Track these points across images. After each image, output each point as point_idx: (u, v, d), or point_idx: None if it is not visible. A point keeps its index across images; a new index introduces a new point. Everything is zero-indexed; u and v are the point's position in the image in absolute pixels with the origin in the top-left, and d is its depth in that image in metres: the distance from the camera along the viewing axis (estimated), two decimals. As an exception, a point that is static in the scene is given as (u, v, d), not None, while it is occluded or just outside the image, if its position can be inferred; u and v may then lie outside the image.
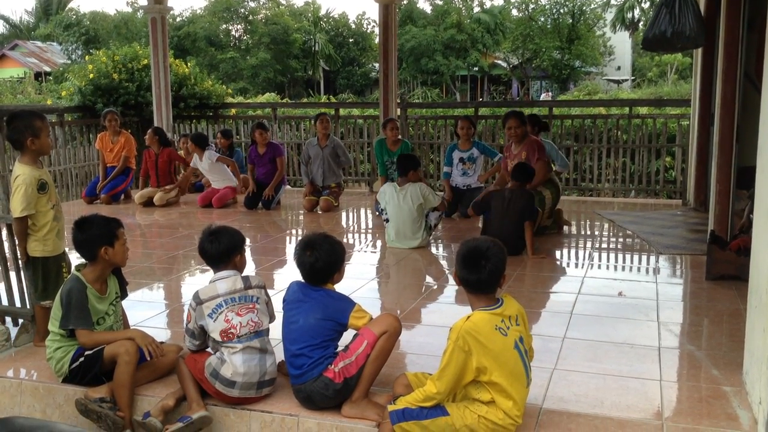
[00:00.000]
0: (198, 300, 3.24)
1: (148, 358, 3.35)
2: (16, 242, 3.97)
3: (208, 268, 3.47)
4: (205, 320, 3.22)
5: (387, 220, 6.36)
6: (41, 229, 3.88)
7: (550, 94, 38.16)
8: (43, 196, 3.89)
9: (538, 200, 6.60)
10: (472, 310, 2.83)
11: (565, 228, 7.06)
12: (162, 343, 3.56)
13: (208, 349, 3.32)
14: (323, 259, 3.17)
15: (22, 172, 3.85)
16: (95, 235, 3.45)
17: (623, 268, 5.85)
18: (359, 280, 5.25)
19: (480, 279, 2.80)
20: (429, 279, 5.64)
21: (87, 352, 3.37)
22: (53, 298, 3.57)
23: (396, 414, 2.79)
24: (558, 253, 6.22)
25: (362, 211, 8.76)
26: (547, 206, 6.67)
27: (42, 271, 3.93)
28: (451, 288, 5.05)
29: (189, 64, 12.59)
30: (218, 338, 3.18)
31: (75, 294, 3.39)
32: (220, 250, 3.34)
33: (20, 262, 4.00)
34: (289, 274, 5.55)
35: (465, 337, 2.68)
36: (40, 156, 4.00)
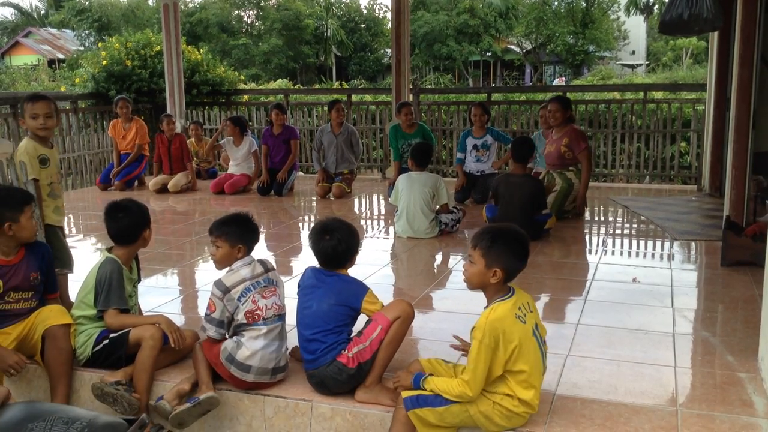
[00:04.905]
0: (224, 288, 3.20)
1: (172, 346, 3.37)
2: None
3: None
4: (234, 304, 3.20)
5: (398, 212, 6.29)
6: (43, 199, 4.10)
7: (563, 79, 37.87)
8: (43, 170, 4.08)
9: (566, 186, 6.60)
10: (488, 302, 2.77)
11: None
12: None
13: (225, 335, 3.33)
14: (345, 241, 3.17)
15: (23, 144, 4.12)
16: (138, 219, 3.54)
17: (638, 254, 5.82)
18: (372, 266, 5.26)
19: (524, 266, 2.77)
20: (442, 265, 5.64)
21: (112, 335, 3.41)
22: (60, 266, 3.68)
23: (410, 400, 2.78)
24: (572, 239, 6.20)
25: (375, 197, 8.76)
26: (572, 193, 6.69)
27: (53, 238, 4.09)
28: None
29: (201, 50, 12.60)
30: (243, 320, 3.18)
31: (116, 275, 3.45)
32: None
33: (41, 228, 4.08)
34: (303, 260, 5.57)
35: (491, 334, 2.63)
36: (40, 135, 4.10)
